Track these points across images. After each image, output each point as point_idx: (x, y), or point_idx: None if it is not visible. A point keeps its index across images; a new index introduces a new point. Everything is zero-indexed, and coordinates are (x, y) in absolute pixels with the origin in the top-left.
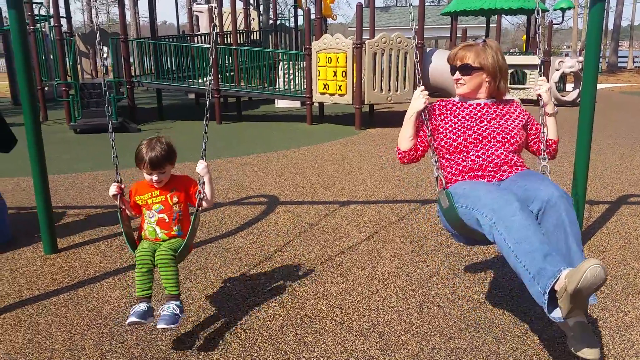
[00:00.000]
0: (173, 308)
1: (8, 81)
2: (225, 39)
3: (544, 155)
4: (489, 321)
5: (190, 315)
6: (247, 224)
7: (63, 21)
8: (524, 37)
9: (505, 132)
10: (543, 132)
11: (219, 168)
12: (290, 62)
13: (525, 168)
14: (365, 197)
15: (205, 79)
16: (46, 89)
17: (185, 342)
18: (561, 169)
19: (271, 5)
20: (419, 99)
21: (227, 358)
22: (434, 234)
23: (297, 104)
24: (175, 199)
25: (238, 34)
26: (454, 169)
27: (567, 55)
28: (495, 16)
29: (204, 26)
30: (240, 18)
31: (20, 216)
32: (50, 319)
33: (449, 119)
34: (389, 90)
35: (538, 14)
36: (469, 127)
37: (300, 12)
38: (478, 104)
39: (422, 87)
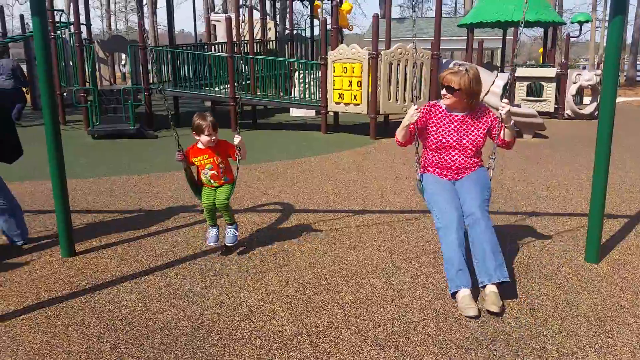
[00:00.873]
0: (233, 231)
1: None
2: (243, 49)
3: (494, 153)
4: (506, 334)
5: (205, 320)
6: (262, 231)
7: (83, 28)
8: (541, 49)
9: (469, 141)
10: (498, 137)
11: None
12: (306, 72)
13: (478, 167)
14: (380, 207)
15: (221, 87)
16: (65, 94)
17: (200, 348)
18: (579, 182)
19: (287, 16)
20: (414, 115)
21: None
22: None
23: (312, 113)
24: (219, 159)
25: (255, 44)
26: (428, 161)
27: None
28: (512, 28)
29: (221, 35)
30: (257, 28)
31: (39, 219)
32: (68, 321)
33: (434, 123)
34: (404, 100)
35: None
36: (445, 135)
37: (316, 22)
38: (456, 116)
39: (417, 107)
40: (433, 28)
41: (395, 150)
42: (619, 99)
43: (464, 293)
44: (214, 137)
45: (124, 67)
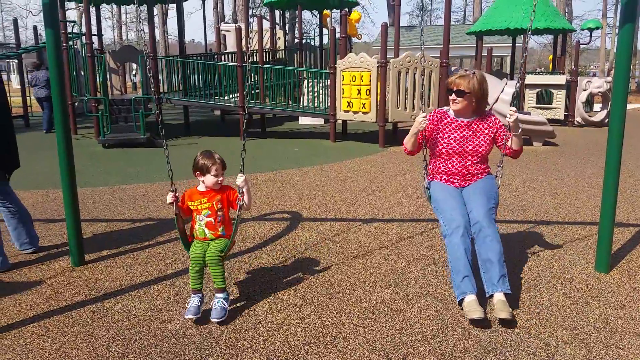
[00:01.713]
0: (222, 303)
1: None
2: (252, 57)
3: (501, 161)
4: (515, 344)
5: (214, 329)
6: (270, 240)
7: (94, 39)
8: (551, 57)
9: (476, 147)
10: (509, 145)
11: None
12: (315, 80)
13: (486, 174)
14: (389, 215)
15: (231, 96)
16: (76, 104)
17: (208, 357)
18: (589, 190)
19: (297, 25)
20: (422, 123)
21: None
22: None
23: (321, 121)
24: (219, 205)
25: (264, 53)
26: (436, 168)
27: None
28: (521, 35)
29: (231, 45)
30: (267, 37)
31: (49, 228)
32: (77, 329)
33: (441, 130)
34: (413, 108)
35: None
36: (452, 141)
37: (325, 31)
38: (462, 121)
39: (425, 114)
40: (442, 36)
41: (403, 158)
42: (629, 106)
43: (470, 299)
44: (221, 178)
45: (135, 76)
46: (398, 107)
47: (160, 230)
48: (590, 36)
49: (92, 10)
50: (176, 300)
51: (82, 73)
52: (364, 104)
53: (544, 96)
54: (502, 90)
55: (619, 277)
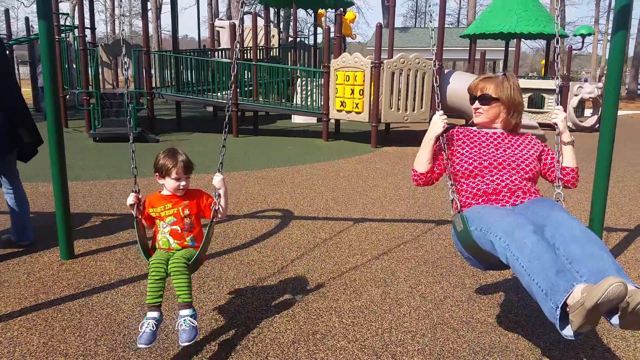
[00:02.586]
0: (190, 321)
1: (31, 88)
2: (245, 55)
3: (558, 182)
4: (503, 345)
5: (203, 326)
6: (261, 238)
7: (87, 32)
8: (543, 61)
9: (520, 161)
10: (558, 161)
11: (234, 180)
12: (308, 79)
13: (539, 195)
14: (380, 215)
15: (224, 93)
16: (68, 97)
17: (197, 354)
18: (579, 195)
19: (291, 23)
20: (438, 123)
21: None
22: (449, 255)
23: (314, 120)
24: (186, 212)
25: (258, 50)
26: (469, 192)
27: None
28: (514, 40)
29: (224, 41)
30: (261, 35)
31: (38, 221)
32: (65, 323)
33: (465, 144)
34: (406, 109)
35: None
36: (484, 153)
37: (319, 30)
38: (495, 133)
39: (441, 112)
40: (435, 38)
41: (395, 159)
42: (620, 112)
43: (582, 286)
44: (183, 183)
45: (127, 70)
46: (391, 108)
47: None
48: (583, 42)
49: (86, 2)
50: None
51: (74, 66)
52: (357, 104)
53: (536, 100)
54: None
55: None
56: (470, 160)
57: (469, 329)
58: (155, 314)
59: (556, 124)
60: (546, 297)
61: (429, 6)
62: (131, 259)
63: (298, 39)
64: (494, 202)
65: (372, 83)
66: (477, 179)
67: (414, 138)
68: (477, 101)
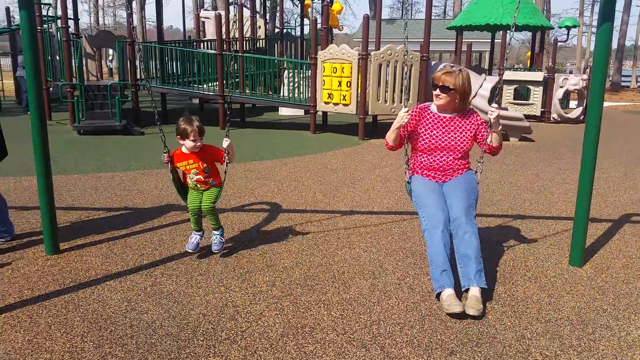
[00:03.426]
0: (219, 238)
1: (13, 80)
2: (232, 46)
3: (482, 157)
4: (491, 336)
5: (191, 320)
6: (249, 231)
7: (70, 23)
8: (529, 53)
9: (457, 143)
10: (489, 142)
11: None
12: (295, 71)
13: (466, 169)
14: (368, 208)
15: (210, 84)
16: (51, 89)
17: (185, 348)
18: (564, 186)
19: (277, 14)
20: (404, 118)
21: None
22: None
23: (301, 112)
24: (204, 165)
25: (244, 41)
26: (417, 164)
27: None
28: (500, 32)
29: (210, 32)
30: (247, 26)
31: (23, 216)
32: (51, 320)
33: (422, 124)
34: (393, 101)
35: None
36: (433, 136)
37: (306, 21)
38: (444, 117)
39: (407, 109)
40: (422, 30)
41: (383, 151)
42: (604, 104)
43: (448, 292)
44: (199, 143)
45: (112, 62)
46: (378, 100)
47: (136, 219)
48: (568, 34)
49: None
50: (153, 291)
51: (57, 57)
52: (344, 96)
53: (522, 92)
54: (481, 86)
55: (592, 271)
56: (423, 142)
57: (456, 320)
58: (199, 233)
59: (490, 119)
60: (434, 280)
61: None
62: (117, 253)
63: (285, 30)
64: (431, 177)
65: (360, 75)
66: (425, 155)
67: None
68: (438, 89)
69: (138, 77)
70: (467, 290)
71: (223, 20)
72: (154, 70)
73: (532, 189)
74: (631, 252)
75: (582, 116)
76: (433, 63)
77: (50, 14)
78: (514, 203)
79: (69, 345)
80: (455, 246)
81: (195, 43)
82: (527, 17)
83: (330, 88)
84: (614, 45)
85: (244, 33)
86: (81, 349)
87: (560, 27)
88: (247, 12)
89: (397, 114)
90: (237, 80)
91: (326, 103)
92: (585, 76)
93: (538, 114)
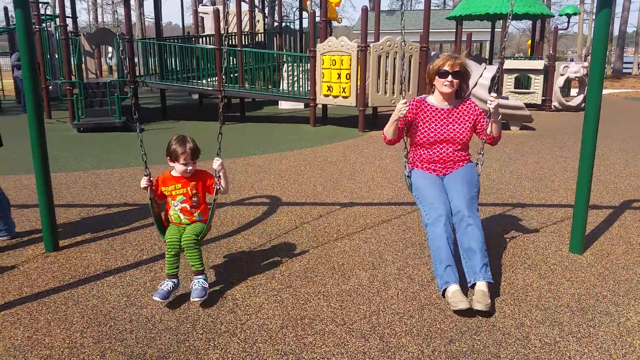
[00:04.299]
0: (202, 283)
1: (12, 79)
2: (230, 41)
3: (482, 148)
4: (490, 324)
5: (191, 314)
6: (248, 225)
7: (69, 21)
8: (529, 42)
9: (456, 135)
10: (489, 131)
11: None
12: (294, 64)
13: (467, 161)
14: (368, 199)
15: (209, 80)
16: (51, 87)
17: (185, 342)
18: (565, 174)
19: (276, 8)
20: (402, 110)
21: (226, 358)
22: None
23: (301, 105)
24: (194, 191)
25: (243, 36)
26: (416, 157)
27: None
28: (501, 20)
29: (208, 27)
30: (246, 20)
31: (23, 214)
32: (50, 316)
33: (420, 117)
34: (393, 93)
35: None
36: (432, 129)
37: (305, 14)
38: (442, 109)
39: (405, 100)
40: (422, 20)
41: (383, 143)
42: (605, 91)
43: (454, 289)
44: (190, 167)
45: (111, 59)
46: (378, 92)
47: (136, 215)
48: (568, 22)
49: None
50: (152, 286)
51: (57, 56)
52: (344, 88)
53: (522, 81)
54: (481, 75)
55: (592, 258)
56: (422, 135)
57: (462, 312)
58: (174, 279)
59: (489, 109)
60: (438, 276)
61: None
62: (117, 249)
63: (283, 24)
64: (431, 170)
65: (359, 67)
66: (423, 148)
67: None
68: (450, 76)
69: (137, 73)
70: (473, 286)
71: (221, 16)
72: (153, 67)
73: (533, 177)
74: (631, 239)
75: (583, 104)
76: (433, 53)
77: (48, 12)
78: (515, 191)
79: (69, 341)
80: (458, 240)
81: (193, 38)
82: (527, 6)
83: (329, 80)
84: (616, 31)
85: (243, 27)
86: (80, 345)
87: (560, 15)
88: (245, 7)
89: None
90: (236, 75)
91: (326, 96)
92: (586, 64)
93: (539, 102)
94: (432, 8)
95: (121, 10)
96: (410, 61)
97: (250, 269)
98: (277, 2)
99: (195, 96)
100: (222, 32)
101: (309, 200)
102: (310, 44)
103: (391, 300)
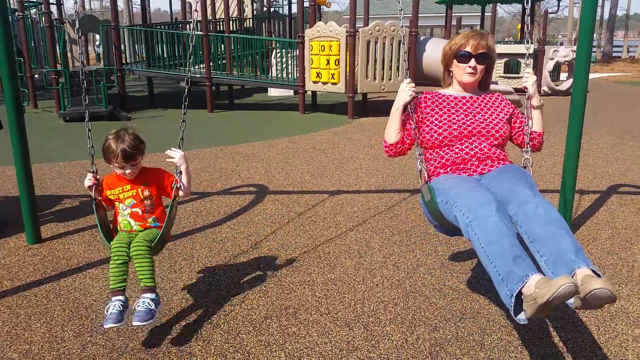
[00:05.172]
0: (148, 303)
1: None
2: (218, 27)
3: (527, 148)
4: (475, 311)
5: (174, 305)
6: (234, 214)
7: (53, 8)
8: (519, 26)
9: (490, 127)
10: (528, 125)
11: (208, 157)
12: (284, 50)
13: (507, 162)
14: (355, 187)
15: (197, 67)
16: (36, 76)
17: (168, 333)
18: (552, 159)
19: None
20: (406, 91)
21: (209, 349)
22: (423, 223)
23: (290, 92)
24: (146, 193)
25: (230, 22)
26: (437, 161)
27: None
28: (491, 5)
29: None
30: (233, 5)
31: (5, 205)
32: (31, 310)
33: (435, 111)
34: (382, 79)
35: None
36: (454, 121)
37: None
38: (463, 97)
39: (409, 80)
40: (411, 5)
41: (372, 129)
42: (594, 75)
43: (538, 277)
44: (128, 171)
45: (99, 47)
46: (367, 78)
47: None
48: (558, 5)
49: None
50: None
51: (41, 44)
52: (333, 75)
53: (512, 66)
54: None
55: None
56: (440, 130)
57: (440, 296)
58: (120, 297)
59: (526, 88)
60: (502, 282)
61: None
62: (100, 241)
63: (272, 9)
64: (462, 171)
65: (348, 53)
66: (446, 149)
67: (391, 108)
68: (473, 59)
69: (124, 61)
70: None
71: (208, 1)
72: (140, 54)
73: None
74: (617, 223)
75: None
76: (422, 38)
77: None
78: None
79: (49, 335)
80: (525, 233)
81: (181, 25)
82: None
83: (318, 67)
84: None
85: (230, 13)
86: (61, 339)
87: None
88: None
89: (387, 91)
90: (223, 62)
91: (315, 82)
92: (575, 47)
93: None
94: None
95: None
96: (399, 46)
97: (235, 259)
98: None
99: (184, 83)
100: (195, 18)
101: (296, 188)
102: (299, 30)
103: (376, 288)
